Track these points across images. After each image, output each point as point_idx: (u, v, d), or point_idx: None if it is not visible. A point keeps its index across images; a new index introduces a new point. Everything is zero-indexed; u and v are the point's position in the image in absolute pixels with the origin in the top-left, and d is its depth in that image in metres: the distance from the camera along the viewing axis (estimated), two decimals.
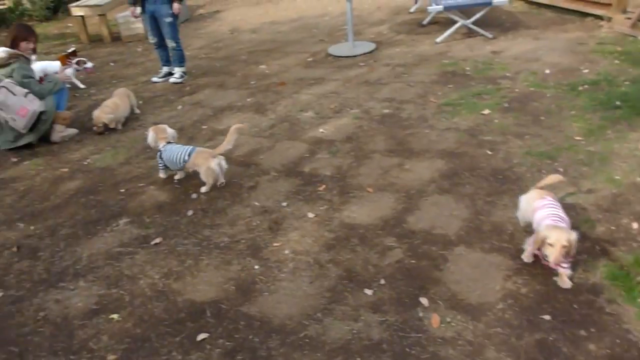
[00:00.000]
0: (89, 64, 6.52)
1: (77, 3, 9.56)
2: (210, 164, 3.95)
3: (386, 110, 5.15)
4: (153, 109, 5.88)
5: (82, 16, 9.22)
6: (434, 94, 5.42)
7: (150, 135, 4.30)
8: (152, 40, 6.68)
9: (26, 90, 4.93)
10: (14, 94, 4.86)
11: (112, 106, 5.36)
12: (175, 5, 6.30)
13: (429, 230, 3.37)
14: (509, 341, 2.54)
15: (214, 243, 3.45)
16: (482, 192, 3.71)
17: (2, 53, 4.98)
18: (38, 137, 5.13)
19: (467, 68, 6.03)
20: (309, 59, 7.15)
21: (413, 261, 3.12)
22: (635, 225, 3.24)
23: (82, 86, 6.75)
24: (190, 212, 3.81)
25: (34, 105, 4.92)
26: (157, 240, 3.54)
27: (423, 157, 4.25)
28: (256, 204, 3.85)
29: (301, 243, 3.38)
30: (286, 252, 3.30)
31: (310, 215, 3.66)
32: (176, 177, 4.26)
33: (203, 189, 4.03)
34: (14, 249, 3.61)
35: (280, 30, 9.02)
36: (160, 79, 6.83)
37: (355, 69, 6.48)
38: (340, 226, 3.51)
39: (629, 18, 6.77)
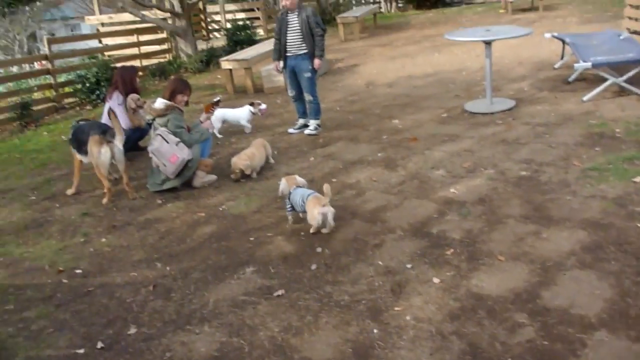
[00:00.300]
0: (263, 106, 7.11)
1: (227, 57, 10.37)
2: (314, 212, 4.13)
3: (524, 172, 4.88)
4: (287, 160, 6.10)
5: (230, 69, 9.96)
6: (578, 157, 5.05)
7: (283, 184, 4.51)
8: (290, 93, 7.00)
9: (177, 139, 5.37)
10: (167, 142, 5.33)
11: (249, 154, 5.64)
12: (316, 61, 6.59)
13: (566, 309, 3.06)
14: None
15: (335, 301, 3.42)
16: (631, 271, 3.33)
17: (161, 104, 5.49)
18: (182, 182, 5.52)
19: (618, 130, 5.56)
20: (444, 115, 7.05)
21: (546, 342, 2.84)
22: None
23: (219, 135, 7.20)
24: (314, 266, 3.83)
25: (184, 153, 5.33)
26: (280, 292, 3.58)
27: (563, 226, 3.93)
28: (380, 263, 3.77)
29: (424, 310, 3.24)
30: (407, 317, 3.18)
31: (436, 280, 3.51)
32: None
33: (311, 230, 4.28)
34: (151, 287, 3.85)
35: (416, 84, 9.03)
36: (296, 130, 7.10)
37: (492, 127, 6.26)
38: (467, 295, 3.32)
39: None
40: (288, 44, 6.66)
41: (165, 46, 13.17)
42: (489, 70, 6.99)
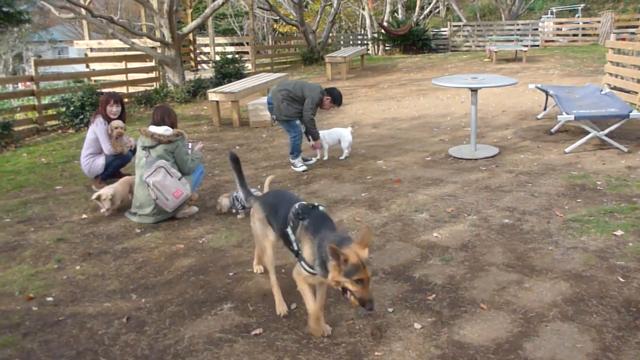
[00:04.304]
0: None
1: (214, 89, 10.40)
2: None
3: (506, 220, 4.89)
4: None
5: (217, 101, 9.97)
6: (560, 207, 5.09)
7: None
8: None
9: (180, 174, 5.31)
10: (171, 176, 5.26)
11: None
12: (314, 144, 6.97)
13: None
14: None
15: (314, 343, 3.33)
16: (612, 325, 3.31)
17: (167, 131, 5.39)
18: (169, 216, 5.42)
19: (599, 182, 5.64)
20: (428, 158, 7.10)
21: None
22: None
23: None
24: (293, 305, 3.75)
25: (187, 189, 5.30)
26: (258, 331, 3.49)
27: (545, 276, 3.92)
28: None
29: (404, 356, 3.17)
30: None
31: (417, 326, 3.44)
32: None
33: None
34: (124, 319, 3.72)
35: (401, 127, 9.12)
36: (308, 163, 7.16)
37: (476, 173, 6.31)
38: (448, 343, 3.26)
39: None
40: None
41: (153, 74, 13.18)
42: (474, 116, 7.09)
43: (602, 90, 7.74)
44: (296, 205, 3.40)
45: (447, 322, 3.47)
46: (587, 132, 6.84)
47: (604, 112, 6.72)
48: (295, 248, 3.34)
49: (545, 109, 8.78)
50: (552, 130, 7.84)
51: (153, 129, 5.37)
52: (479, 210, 5.16)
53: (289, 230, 3.37)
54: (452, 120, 9.30)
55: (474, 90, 7.05)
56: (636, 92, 8.46)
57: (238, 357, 3.24)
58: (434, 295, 3.77)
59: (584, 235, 4.50)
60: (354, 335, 3.38)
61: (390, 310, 3.63)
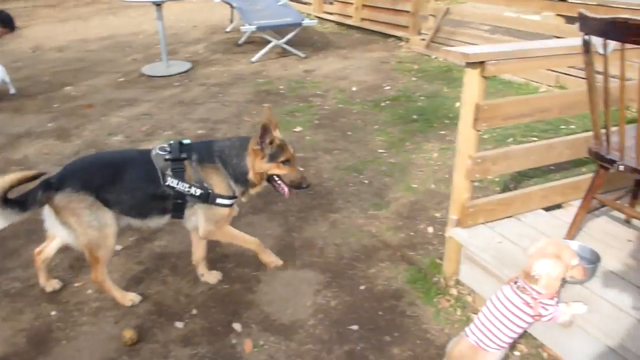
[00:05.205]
0: None
1: None
2: None
3: (201, 131, 5.06)
4: None
5: None
6: (248, 113, 5.45)
7: None
8: None
9: None
10: None
11: None
12: None
13: (242, 253, 3.32)
14: (320, 356, 2.58)
15: (3, 290, 3.06)
16: (294, 209, 3.77)
17: None
18: None
19: (281, 87, 6.16)
20: (121, 79, 6.80)
21: (226, 286, 3.05)
22: (430, 229, 3.51)
23: None
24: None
25: None
26: None
27: None
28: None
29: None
30: (89, 292, 3.03)
31: (118, 247, 3.41)
32: None
33: None
34: None
35: (90, 48, 8.49)
36: None
37: (170, 89, 6.29)
38: (151, 257, 3.33)
39: (423, 39, 7.46)
40: None
41: None
42: (162, 33, 6.96)
43: (279, 2, 8.29)
44: (161, 153, 2.72)
45: (149, 238, 3.52)
46: (269, 42, 7.33)
47: (282, 21, 7.25)
48: (195, 193, 2.73)
49: (232, 21, 9.08)
50: (240, 42, 8.20)
51: None
52: (174, 125, 5.21)
53: (173, 182, 2.70)
54: (145, 38, 8.99)
55: (158, 5, 6.86)
56: (310, 3, 9.30)
57: None
58: None
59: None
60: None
61: None
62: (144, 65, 7.23)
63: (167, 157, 2.71)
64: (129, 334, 2.64)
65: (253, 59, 7.23)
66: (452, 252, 3.00)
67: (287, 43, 7.35)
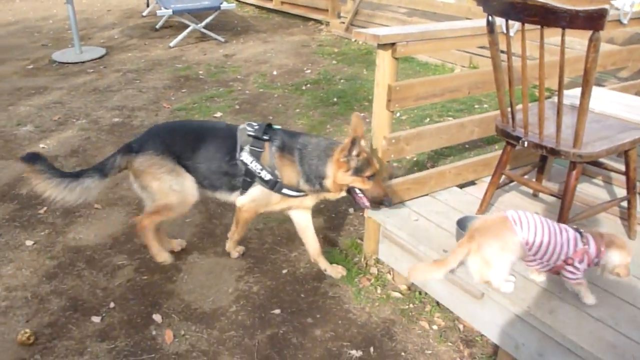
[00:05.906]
0: None
1: None
2: None
3: (116, 119, 4.88)
4: None
5: None
6: (167, 99, 5.31)
7: None
8: None
9: None
10: None
11: None
12: None
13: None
14: (242, 342, 2.57)
15: None
16: None
17: None
18: None
19: (201, 72, 6.04)
20: (30, 67, 6.44)
21: (145, 277, 2.97)
22: (351, 210, 3.57)
23: None
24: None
25: None
26: None
27: None
28: None
29: (17, 277, 2.98)
30: None
31: (29, 242, 3.26)
32: None
33: None
34: None
35: None
36: None
37: (83, 76, 6.02)
38: (65, 251, 3.19)
39: (343, 22, 7.50)
40: None
41: None
42: (72, 17, 6.63)
43: None
44: (248, 129, 2.69)
45: (62, 231, 3.37)
46: (188, 26, 7.15)
47: (199, 5, 7.07)
48: (266, 177, 2.67)
49: (148, 5, 8.78)
50: (157, 26, 7.94)
51: None
52: (88, 114, 5.00)
53: (247, 159, 2.66)
54: (55, 23, 8.54)
55: None
56: None
57: None
58: (45, 208, 3.59)
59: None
60: None
61: None
62: (55, 52, 6.88)
63: (250, 132, 2.68)
64: (24, 335, 2.55)
65: (171, 44, 7.03)
66: (371, 232, 3.06)
67: (206, 27, 7.20)
